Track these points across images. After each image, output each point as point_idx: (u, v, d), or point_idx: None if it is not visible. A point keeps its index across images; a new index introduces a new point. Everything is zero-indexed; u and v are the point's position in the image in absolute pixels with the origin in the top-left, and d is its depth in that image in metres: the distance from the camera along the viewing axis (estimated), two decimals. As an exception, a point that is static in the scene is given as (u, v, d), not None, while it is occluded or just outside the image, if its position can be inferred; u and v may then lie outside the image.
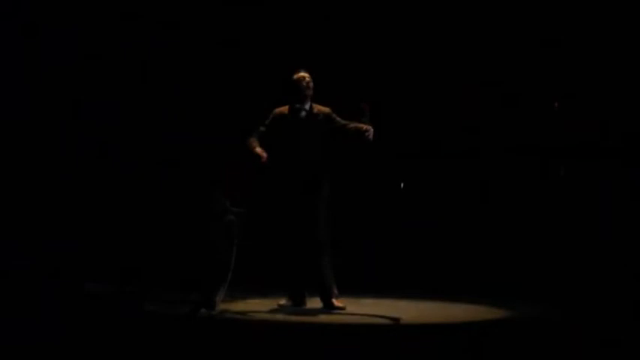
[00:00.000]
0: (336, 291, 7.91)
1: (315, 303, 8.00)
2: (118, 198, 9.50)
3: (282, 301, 8.00)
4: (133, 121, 9.62)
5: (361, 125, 7.82)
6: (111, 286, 7.67)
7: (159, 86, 9.67)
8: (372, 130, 7.74)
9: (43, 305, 7.01)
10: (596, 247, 9.10)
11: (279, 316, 7.51)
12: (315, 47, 9.53)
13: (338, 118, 7.97)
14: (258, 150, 7.81)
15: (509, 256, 9.32)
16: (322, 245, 7.89)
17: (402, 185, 9.61)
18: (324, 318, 7.51)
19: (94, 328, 6.70)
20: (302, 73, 7.99)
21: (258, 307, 7.94)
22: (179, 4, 9.74)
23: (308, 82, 7.96)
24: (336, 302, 7.87)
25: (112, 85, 9.57)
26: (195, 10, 9.77)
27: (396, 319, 7.34)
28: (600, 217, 9.19)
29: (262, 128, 7.98)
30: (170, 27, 9.69)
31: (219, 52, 9.83)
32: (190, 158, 9.71)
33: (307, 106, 7.97)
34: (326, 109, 8.00)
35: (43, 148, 9.39)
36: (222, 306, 7.62)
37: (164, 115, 9.67)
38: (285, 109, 8.02)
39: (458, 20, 9.71)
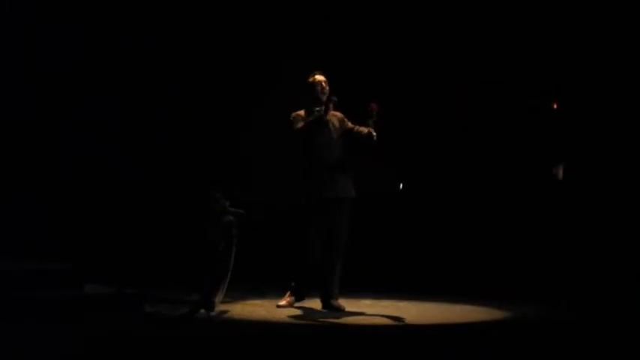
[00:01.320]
0: (336, 291, 7.91)
1: (314, 303, 8.00)
2: (117, 198, 9.50)
3: (282, 302, 8.00)
4: (133, 121, 9.61)
5: (366, 132, 7.80)
6: (111, 286, 7.66)
7: (159, 86, 9.66)
8: (373, 134, 7.71)
9: (43, 306, 7.01)
10: (596, 247, 9.09)
11: (279, 317, 7.51)
12: (314, 47, 9.53)
13: (349, 123, 7.94)
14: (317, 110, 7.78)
15: (509, 257, 9.31)
16: (338, 249, 7.88)
17: (400, 185, 9.60)
18: (323, 318, 7.51)
19: (94, 328, 6.71)
20: (317, 77, 7.94)
21: (258, 307, 7.95)
22: (179, 4, 9.74)
23: (323, 87, 7.92)
24: (335, 303, 7.87)
25: (112, 85, 9.57)
26: (195, 9, 9.77)
27: (399, 320, 7.35)
28: (600, 217, 9.18)
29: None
30: (170, 27, 9.69)
31: (220, 52, 9.83)
32: (190, 158, 9.71)
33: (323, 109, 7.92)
34: (338, 114, 7.95)
35: (43, 148, 9.39)
36: (221, 306, 7.62)
37: (164, 115, 9.67)
38: (302, 112, 7.94)
39: (457, 20, 9.72)
